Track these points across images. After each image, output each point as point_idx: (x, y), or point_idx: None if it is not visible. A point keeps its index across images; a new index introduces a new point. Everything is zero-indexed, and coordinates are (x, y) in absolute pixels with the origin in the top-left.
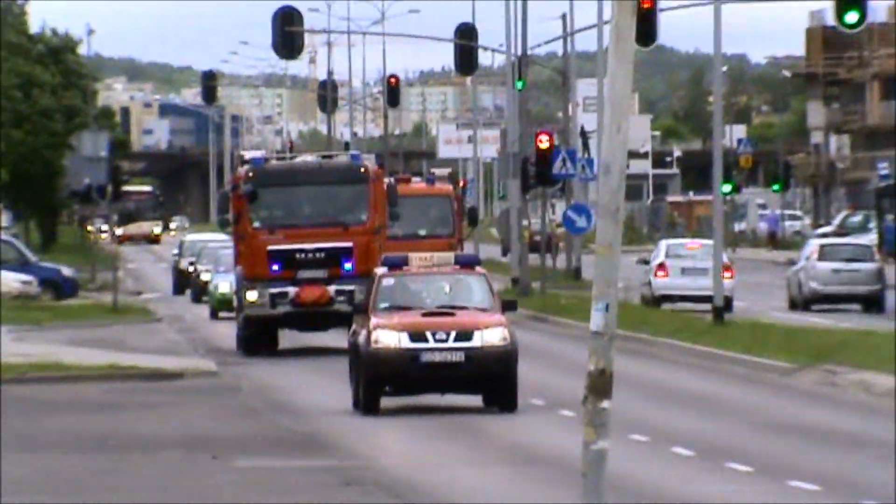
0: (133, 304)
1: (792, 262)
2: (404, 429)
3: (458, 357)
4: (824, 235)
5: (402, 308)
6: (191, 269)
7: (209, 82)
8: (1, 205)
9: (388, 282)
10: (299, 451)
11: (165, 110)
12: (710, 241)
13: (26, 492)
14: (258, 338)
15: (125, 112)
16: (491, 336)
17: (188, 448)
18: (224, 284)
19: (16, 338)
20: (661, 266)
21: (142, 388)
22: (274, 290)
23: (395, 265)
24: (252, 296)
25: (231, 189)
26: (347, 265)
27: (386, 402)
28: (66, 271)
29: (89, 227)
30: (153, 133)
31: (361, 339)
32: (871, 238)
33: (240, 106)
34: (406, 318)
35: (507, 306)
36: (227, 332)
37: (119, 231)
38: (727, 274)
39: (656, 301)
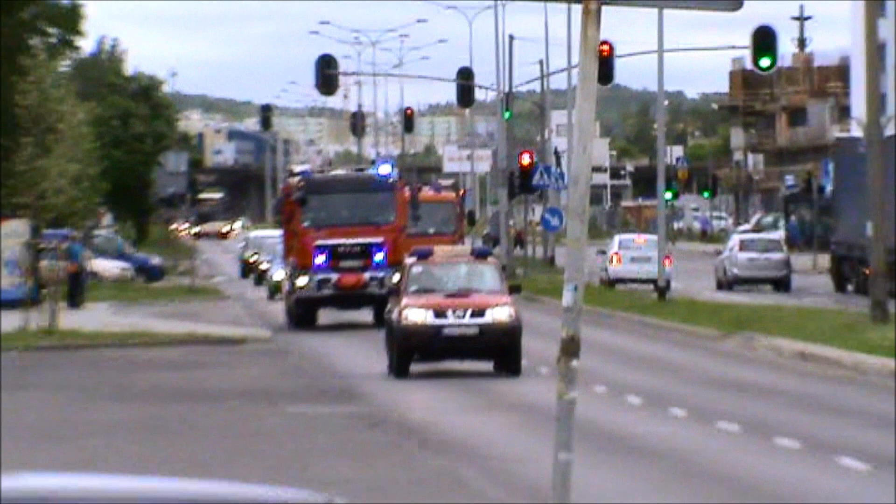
0: (206, 285)
1: (718, 253)
2: (425, 386)
3: (473, 331)
4: (744, 232)
5: (427, 291)
6: (252, 259)
7: (266, 113)
8: (105, 209)
9: (417, 269)
10: (336, 400)
11: (232, 135)
12: (654, 236)
13: (124, 432)
14: (306, 315)
15: (200, 137)
16: (500, 314)
17: (249, 398)
18: (279, 273)
19: (115, 311)
20: (615, 255)
21: (213, 351)
22: (320, 277)
23: (423, 256)
24: (302, 281)
25: (285, 196)
26: (379, 256)
27: (414, 367)
28: (155, 260)
29: (173, 226)
30: (222, 153)
31: (394, 315)
32: (780, 234)
33: (289, 132)
34: (431, 299)
35: (513, 290)
36: (279, 308)
37: (197, 229)
38: (667, 262)
39: (611, 283)
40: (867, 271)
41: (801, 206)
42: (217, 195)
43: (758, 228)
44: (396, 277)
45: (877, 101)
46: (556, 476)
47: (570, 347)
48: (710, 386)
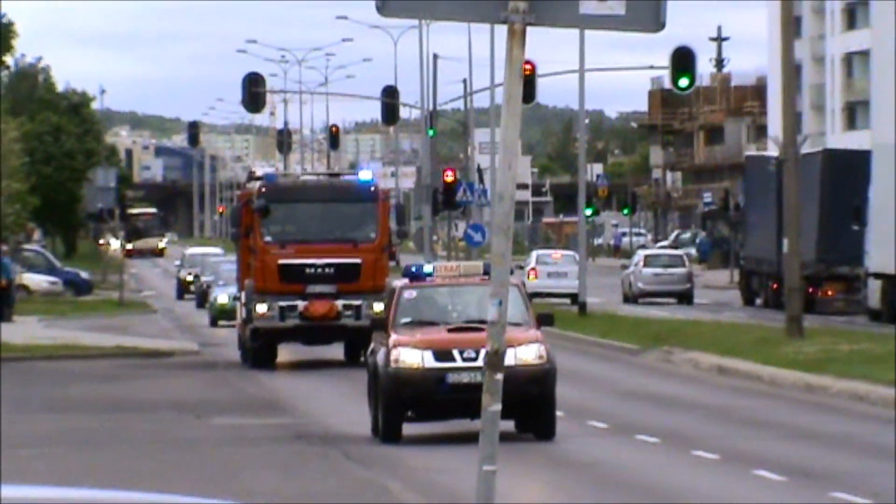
0: (135, 299)
1: (625, 268)
2: (351, 397)
3: None
4: (662, 248)
5: (425, 323)
6: (189, 278)
7: (193, 130)
8: (34, 225)
9: (410, 294)
10: (262, 411)
11: (160, 151)
12: (570, 252)
13: (55, 444)
14: (263, 349)
15: (129, 153)
16: (526, 353)
17: (177, 409)
18: (223, 296)
19: (45, 325)
20: (532, 270)
21: (141, 363)
22: (283, 304)
23: (418, 276)
24: (262, 308)
25: (242, 204)
26: (357, 280)
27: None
28: (84, 274)
29: (101, 241)
30: (150, 169)
31: (380, 357)
32: (685, 250)
33: (216, 148)
34: (430, 334)
35: (543, 320)
36: (204, 320)
37: (129, 245)
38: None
39: (529, 297)
40: (774, 286)
41: (718, 223)
42: (152, 209)
43: (675, 245)
44: (379, 306)
45: (793, 120)
46: (479, 487)
47: (495, 361)
48: (630, 399)
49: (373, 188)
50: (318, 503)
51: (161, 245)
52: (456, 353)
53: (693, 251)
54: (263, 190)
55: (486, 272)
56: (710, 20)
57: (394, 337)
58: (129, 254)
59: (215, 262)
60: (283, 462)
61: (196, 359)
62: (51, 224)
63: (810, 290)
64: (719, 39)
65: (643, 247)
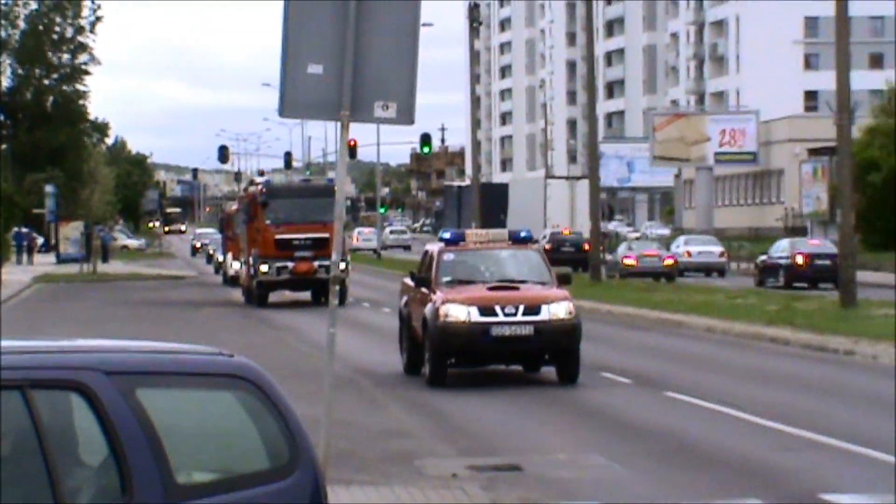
0: (167, 252)
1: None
2: (311, 318)
3: (528, 331)
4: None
5: (463, 282)
6: (198, 244)
7: (195, 171)
8: (119, 217)
9: (449, 256)
10: (237, 307)
11: (179, 181)
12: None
13: (123, 319)
14: (263, 296)
15: (164, 183)
16: (558, 310)
17: (185, 305)
18: (221, 257)
19: (124, 264)
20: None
21: (170, 282)
22: (279, 265)
23: (453, 241)
24: (264, 268)
25: (249, 200)
26: (326, 248)
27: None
28: (144, 241)
29: (151, 224)
30: (174, 190)
31: (428, 312)
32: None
33: (207, 181)
34: (473, 292)
35: (563, 280)
36: (204, 265)
37: (166, 228)
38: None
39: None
40: None
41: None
42: (177, 209)
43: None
44: (342, 265)
45: (477, 167)
46: (327, 345)
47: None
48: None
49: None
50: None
51: (182, 228)
52: (498, 308)
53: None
54: (265, 190)
55: (512, 237)
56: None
57: (440, 294)
58: (166, 232)
59: (211, 237)
60: (242, 327)
61: (197, 280)
62: (127, 216)
63: None
64: (442, 129)
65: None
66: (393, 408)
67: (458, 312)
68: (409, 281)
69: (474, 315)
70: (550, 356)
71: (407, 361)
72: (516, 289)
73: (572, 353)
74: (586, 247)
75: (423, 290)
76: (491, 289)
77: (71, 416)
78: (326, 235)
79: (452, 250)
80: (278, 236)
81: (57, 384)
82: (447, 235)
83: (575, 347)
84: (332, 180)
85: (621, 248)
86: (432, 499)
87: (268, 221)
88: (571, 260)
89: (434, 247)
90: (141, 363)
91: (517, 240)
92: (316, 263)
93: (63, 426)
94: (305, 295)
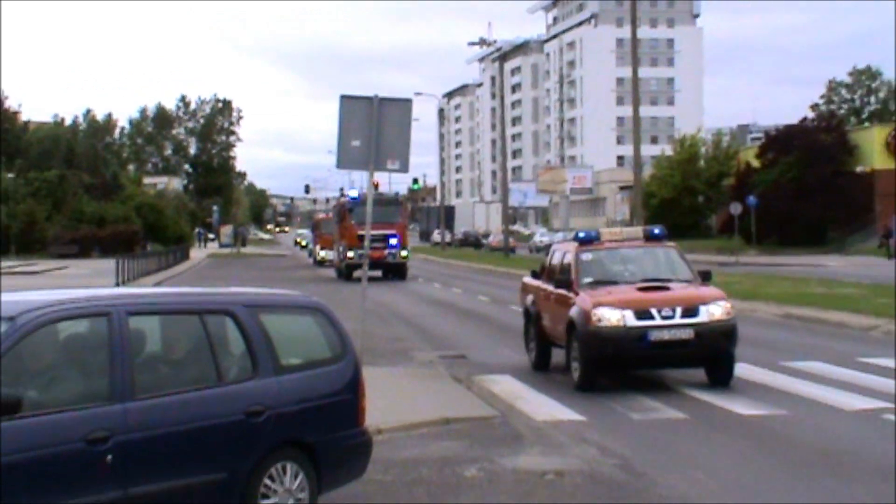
0: (277, 242)
1: None
2: (397, 292)
3: (687, 334)
4: None
5: (604, 283)
6: (300, 240)
7: (290, 200)
8: (251, 222)
9: (587, 256)
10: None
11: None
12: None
13: (251, 281)
14: (349, 273)
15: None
16: (716, 310)
17: (283, 268)
18: (317, 250)
19: (252, 248)
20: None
21: (280, 260)
22: (360, 252)
23: (587, 240)
24: (350, 254)
25: (340, 208)
26: (393, 241)
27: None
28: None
29: (268, 227)
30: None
31: (575, 315)
32: None
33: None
34: (624, 294)
35: (705, 277)
36: (305, 257)
37: (277, 229)
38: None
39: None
40: None
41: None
42: (283, 218)
43: None
44: (404, 253)
45: (442, 196)
46: (362, 291)
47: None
48: None
49: (400, 199)
50: None
51: (286, 230)
52: (654, 311)
53: None
54: (351, 201)
55: (647, 235)
56: (423, 170)
57: (586, 297)
58: (277, 232)
59: (305, 235)
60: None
61: (295, 260)
62: (256, 223)
63: None
64: (424, 175)
65: None
66: (394, 323)
67: (612, 316)
68: (530, 280)
69: (630, 319)
70: (709, 360)
71: (536, 360)
72: (667, 289)
73: (730, 355)
74: (481, 239)
75: (562, 291)
76: (640, 290)
77: (225, 329)
78: (393, 232)
79: (590, 249)
80: (360, 232)
81: (218, 311)
82: (581, 235)
83: (732, 350)
84: (398, 193)
85: (536, 237)
86: (418, 374)
87: (353, 221)
88: (473, 245)
89: (566, 246)
90: (263, 300)
91: (652, 236)
92: (385, 251)
93: (221, 334)
94: (377, 273)
